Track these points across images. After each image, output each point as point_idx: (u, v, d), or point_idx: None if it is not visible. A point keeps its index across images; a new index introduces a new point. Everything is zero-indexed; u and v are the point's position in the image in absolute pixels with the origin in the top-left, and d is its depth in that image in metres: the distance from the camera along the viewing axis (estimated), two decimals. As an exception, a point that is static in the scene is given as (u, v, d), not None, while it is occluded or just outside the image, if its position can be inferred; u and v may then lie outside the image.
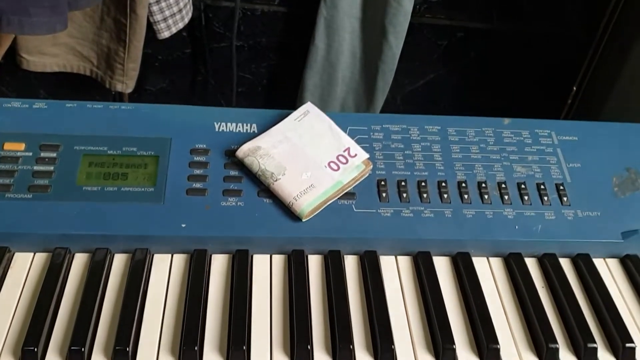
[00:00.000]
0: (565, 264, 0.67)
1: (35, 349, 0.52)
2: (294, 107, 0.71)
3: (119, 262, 0.62)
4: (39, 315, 0.55)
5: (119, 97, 1.24)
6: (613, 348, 0.60)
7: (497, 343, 0.57)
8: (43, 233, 0.61)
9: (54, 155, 0.65)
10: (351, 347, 0.56)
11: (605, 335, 0.61)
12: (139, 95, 1.28)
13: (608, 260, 0.68)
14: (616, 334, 0.60)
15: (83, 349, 0.53)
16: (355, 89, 1.26)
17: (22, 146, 0.65)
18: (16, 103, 0.69)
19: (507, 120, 0.76)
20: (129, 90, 1.16)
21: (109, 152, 0.66)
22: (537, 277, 0.65)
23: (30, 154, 0.65)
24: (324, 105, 1.25)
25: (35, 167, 0.64)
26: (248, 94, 1.35)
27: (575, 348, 0.59)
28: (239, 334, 0.55)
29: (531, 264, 0.67)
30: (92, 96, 1.28)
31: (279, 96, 1.36)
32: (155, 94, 1.32)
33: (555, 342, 0.58)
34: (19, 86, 1.29)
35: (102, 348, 0.55)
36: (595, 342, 0.58)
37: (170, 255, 0.63)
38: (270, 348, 0.56)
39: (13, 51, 1.08)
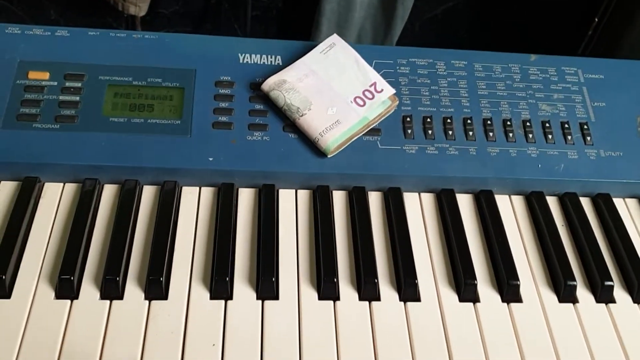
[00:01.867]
0: (585, 203, 0.68)
1: (72, 278, 0.54)
2: (310, 33, 0.69)
3: (149, 193, 0.63)
4: (73, 245, 0.57)
5: (131, 20, 1.21)
6: (629, 286, 0.61)
7: (517, 279, 0.59)
8: (72, 164, 0.61)
9: (79, 85, 0.65)
10: (375, 281, 0.57)
11: (622, 273, 0.63)
12: (151, 18, 1.25)
13: (628, 200, 0.69)
14: (633, 272, 0.61)
15: (117, 278, 0.55)
16: (373, 15, 1.23)
17: (47, 75, 0.65)
18: (38, 30, 0.68)
19: (533, 57, 0.74)
20: (142, 13, 1.13)
21: (134, 82, 0.66)
22: (558, 216, 0.67)
23: (55, 83, 0.65)
24: (341, 31, 1.22)
25: (61, 97, 0.64)
26: (262, 18, 1.32)
27: (592, 286, 0.61)
28: (269, 266, 0.57)
29: (552, 202, 0.68)
30: (104, 18, 1.25)
31: (295, 21, 1.33)
32: (169, 17, 1.29)
33: (573, 279, 0.60)
34: (29, 6, 1.25)
35: (135, 277, 0.56)
36: (612, 280, 0.60)
37: (198, 187, 0.64)
38: (298, 280, 0.58)
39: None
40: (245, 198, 0.64)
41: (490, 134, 0.68)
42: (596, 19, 1.31)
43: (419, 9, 1.26)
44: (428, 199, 0.66)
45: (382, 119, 0.67)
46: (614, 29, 1.29)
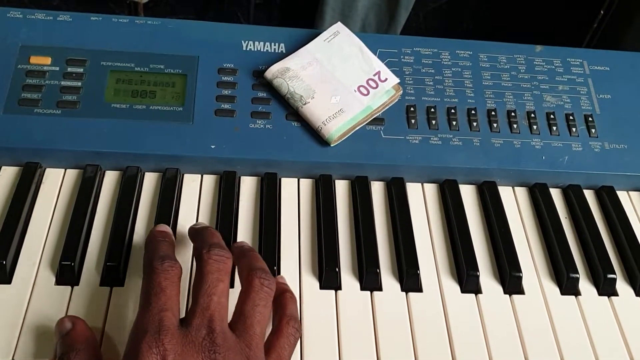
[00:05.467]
0: (589, 195, 0.68)
1: (73, 264, 0.54)
2: (314, 21, 0.68)
3: (150, 180, 0.63)
4: (74, 231, 0.56)
5: (134, 5, 1.21)
6: (631, 279, 0.61)
7: (520, 271, 0.59)
8: (73, 149, 0.61)
9: (81, 70, 0.64)
10: (377, 271, 0.57)
11: (625, 266, 0.62)
12: (154, 5, 1.25)
13: (632, 193, 0.69)
14: (635, 265, 0.61)
15: (118, 264, 0.54)
16: (377, 4, 1.22)
17: (49, 60, 0.64)
18: (40, 15, 0.67)
19: (539, 48, 0.74)
20: (145, 0, 1.13)
21: (136, 68, 0.65)
22: (561, 208, 0.66)
23: (57, 68, 0.64)
24: (345, 20, 1.22)
25: (63, 83, 0.63)
26: (266, 5, 1.31)
27: (594, 278, 0.61)
28: (270, 255, 0.57)
29: (556, 194, 0.67)
30: (106, 5, 1.24)
31: (298, 10, 1.32)
32: (171, 4, 1.28)
33: (576, 271, 0.60)
34: (32, -9, 1.25)
35: (136, 264, 0.56)
36: (614, 273, 0.60)
37: (200, 175, 0.64)
38: (299, 269, 0.58)
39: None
40: (248, 186, 0.64)
41: (495, 124, 0.67)
42: (602, 12, 1.31)
43: (423, 0, 1.26)
44: (431, 189, 0.66)
45: (386, 108, 0.66)
46: (619, 22, 1.28)
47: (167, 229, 0.55)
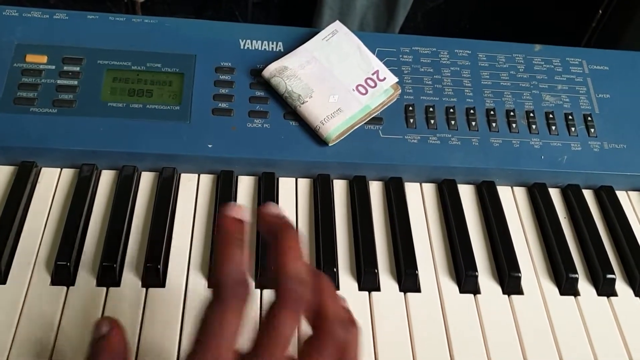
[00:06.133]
0: (588, 195, 0.67)
1: (68, 264, 0.53)
2: (311, 21, 0.68)
3: (147, 179, 0.62)
4: (70, 231, 0.56)
5: (131, 4, 1.20)
6: (631, 279, 0.61)
7: (519, 271, 0.58)
8: (69, 148, 0.60)
9: (78, 69, 0.64)
10: (375, 271, 0.57)
11: (624, 266, 0.62)
12: (151, 4, 1.24)
13: (630, 192, 0.69)
14: (635, 265, 0.61)
15: (115, 265, 0.54)
16: (376, 3, 1.22)
17: (45, 59, 0.64)
18: (36, 13, 0.67)
19: (538, 47, 0.74)
20: (142, -2, 1.12)
21: (133, 67, 0.65)
22: (560, 208, 0.66)
23: (53, 67, 0.64)
24: (343, 19, 1.21)
25: (59, 81, 0.63)
26: (263, 4, 1.31)
27: (593, 278, 0.61)
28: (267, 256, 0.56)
29: (555, 194, 0.67)
30: (103, 3, 1.23)
31: (297, 8, 1.31)
32: (169, 3, 1.27)
33: (575, 272, 0.59)
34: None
35: (133, 265, 0.56)
36: (613, 273, 0.60)
37: (197, 174, 0.63)
38: (297, 269, 0.57)
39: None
40: (245, 186, 0.63)
41: (493, 124, 0.67)
42: (600, 11, 1.30)
43: (421, -1, 1.25)
44: (429, 189, 0.66)
45: (384, 107, 0.66)
46: (618, 22, 1.28)
47: (244, 214, 0.40)
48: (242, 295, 0.36)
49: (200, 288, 0.55)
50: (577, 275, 0.59)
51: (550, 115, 0.69)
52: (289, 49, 0.68)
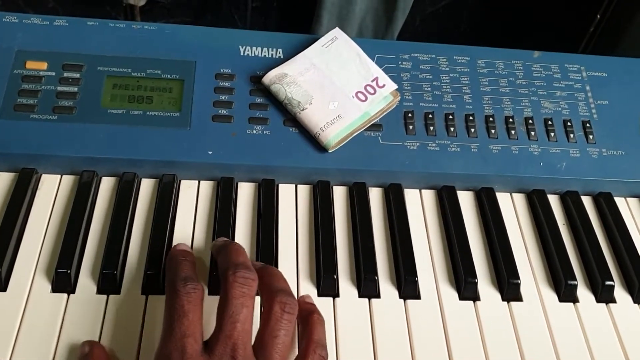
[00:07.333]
0: (587, 201, 0.68)
1: (69, 271, 0.53)
2: (310, 26, 0.68)
3: (147, 186, 0.62)
4: (71, 238, 0.56)
5: (130, 9, 1.20)
6: (629, 286, 0.61)
7: (518, 278, 0.59)
8: (70, 155, 0.60)
9: (78, 75, 0.64)
10: (375, 278, 0.57)
11: (623, 273, 0.62)
12: (150, 8, 1.24)
13: (629, 199, 0.69)
14: (633, 272, 0.61)
15: (115, 272, 0.54)
16: (374, 8, 1.22)
17: (45, 65, 0.64)
18: (36, 19, 0.67)
19: (537, 54, 0.74)
20: (142, 3, 1.12)
21: (133, 74, 0.65)
22: (559, 214, 0.66)
23: (53, 73, 0.64)
24: (341, 25, 1.21)
25: (59, 88, 0.63)
26: (263, 9, 1.31)
27: (592, 285, 0.61)
28: (267, 262, 0.56)
29: (553, 200, 0.67)
30: (103, 8, 1.24)
31: (295, 13, 1.32)
32: (168, 7, 1.27)
33: (574, 278, 0.59)
34: (28, -7, 1.24)
35: (133, 271, 0.56)
36: (612, 280, 0.60)
37: (197, 181, 0.63)
38: (297, 276, 0.57)
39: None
40: (245, 192, 0.63)
41: (492, 131, 0.67)
42: (598, 16, 1.31)
43: (420, 4, 1.26)
44: (429, 195, 0.66)
45: (384, 114, 0.66)
46: (616, 26, 1.29)
47: (188, 247, 0.55)
48: (193, 291, 0.47)
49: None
50: (576, 282, 0.59)
51: (549, 122, 0.69)
52: (289, 55, 0.68)
